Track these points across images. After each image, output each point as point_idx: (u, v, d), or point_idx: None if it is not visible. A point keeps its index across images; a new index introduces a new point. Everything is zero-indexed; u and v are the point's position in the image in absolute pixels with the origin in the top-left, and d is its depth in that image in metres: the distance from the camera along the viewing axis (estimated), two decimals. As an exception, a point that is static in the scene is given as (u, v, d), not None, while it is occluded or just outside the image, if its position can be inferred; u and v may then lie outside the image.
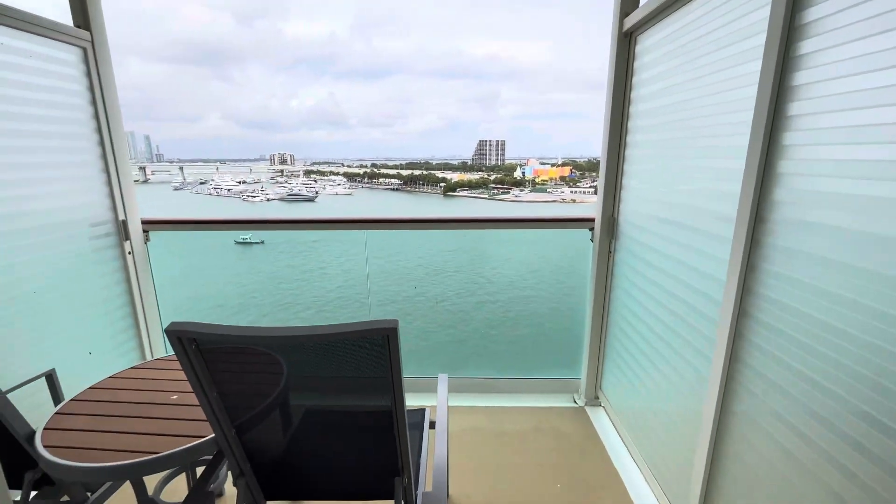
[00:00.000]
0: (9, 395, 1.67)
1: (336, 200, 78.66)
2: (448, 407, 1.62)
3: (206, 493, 1.14)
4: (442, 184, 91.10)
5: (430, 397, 2.57)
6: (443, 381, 1.70)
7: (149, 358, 2.53)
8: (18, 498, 1.22)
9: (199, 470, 1.67)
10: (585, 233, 2.43)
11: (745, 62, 1.23)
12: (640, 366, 1.97)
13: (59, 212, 2.00)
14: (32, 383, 1.70)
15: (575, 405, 2.57)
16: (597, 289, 2.37)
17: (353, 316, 2.80)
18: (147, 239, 2.51)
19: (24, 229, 1.85)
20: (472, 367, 2.77)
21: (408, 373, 2.65)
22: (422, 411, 1.72)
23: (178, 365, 1.52)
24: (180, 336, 0.92)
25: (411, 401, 2.52)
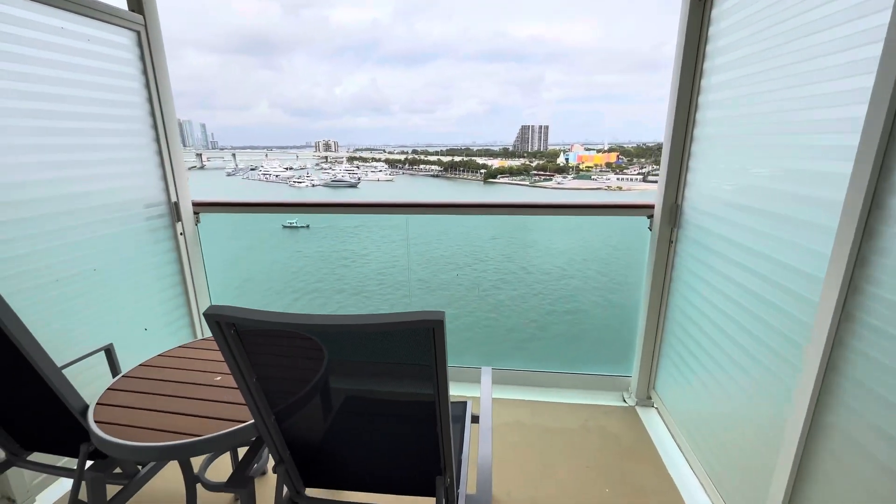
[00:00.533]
0: (69, 369, 1.76)
1: (378, 187, 79.89)
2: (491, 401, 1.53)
3: (246, 477, 1.12)
4: (482, 170, 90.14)
5: (470, 388, 2.51)
6: (486, 374, 1.61)
7: (199, 336, 2.62)
8: (75, 466, 1.26)
9: (243, 450, 1.69)
10: (643, 221, 2.25)
11: (862, 16, 1.02)
12: (704, 367, 1.79)
13: (117, 192, 2.07)
14: (93, 357, 1.78)
15: (624, 404, 2.42)
16: (654, 281, 2.18)
17: (394, 301, 2.77)
18: (198, 220, 2.58)
19: (86, 209, 1.92)
20: (513, 358, 2.67)
21: (448, 362, 2.58)
22: (464, 404, 1.65)
23: (204, 353, 1.53)
24: (219, 321, 0.88)
25: (451, 391, 2.46)
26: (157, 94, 2.24)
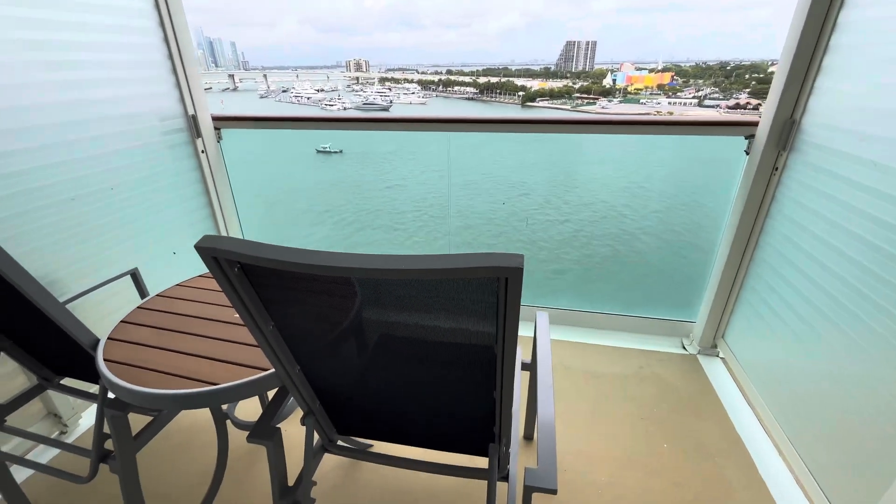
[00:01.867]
0: (95, 293, 1.68)
1: (411, 110, 77.10)
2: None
3: (272, 428, 0.99)
4: (520, 93, 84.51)
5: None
6: (543, 318, 1.39)
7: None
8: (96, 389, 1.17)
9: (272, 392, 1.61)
10: (736, 143, 1.83)
11: None
12: (803, 320, 1.50)
13: (125, 101, 1.84)
14: (122, 282, 1.69)
15: (684, 352, 2.19)
16: (743, 216, 1.83)
17: (435, 234, 2.54)
18: (219, 137, 2.35)
19: (94, 119, 1.71)
20: (561, 296, 2.44)
21: None
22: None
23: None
24: (217, 256, 0.66)
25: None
26: (167, 3, 1.91)
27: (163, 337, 1.12)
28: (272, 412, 1.01)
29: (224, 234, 2.44)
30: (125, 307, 1.43)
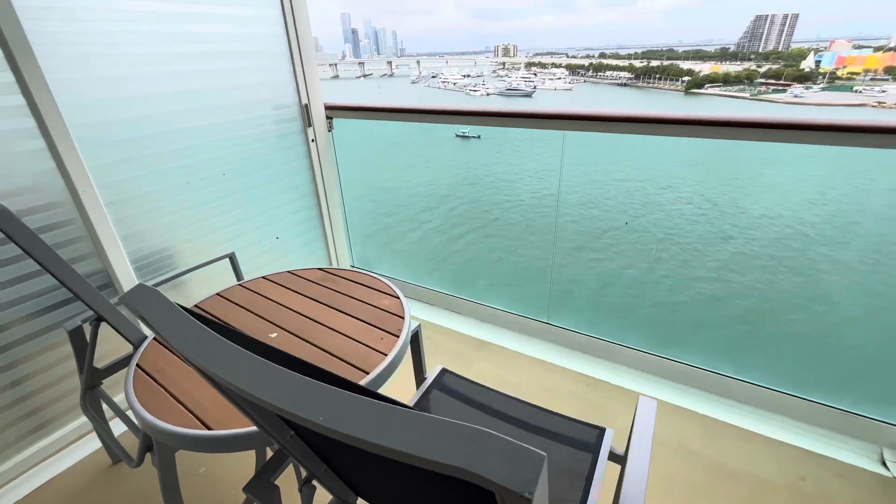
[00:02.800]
0: (194, 273, 1.79)
1: (554, 97, 73.89)
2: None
3: (270, 485, 0.84)
4: (685, 78, 74.20)
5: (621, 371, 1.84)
6: (647, 406, 0.98)
7: (332, 257, 2.55)
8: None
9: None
10: None
11: None
12: None
13: (242, 90, 1.90)
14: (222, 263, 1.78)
15: (883, 471, 1.48)
16: None
17: (531, 253, 2.18)
18: (331, 127, 2.35)
19: (212, 107, 1.80)
20: (691, 347, 1.89)
21: (583, 328, 1.98)
22: (599, 431, 1.10)
23: (307, 288, 1.25)
24: (143, 315, 0.49)
25: (572, 360, 1.89)
26: (292, 6, 1.92)
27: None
28: (273, 467, 0.86)
29: (328, 225, 2.47)
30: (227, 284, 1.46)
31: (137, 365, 0.99)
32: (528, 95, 75.12)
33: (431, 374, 1.34)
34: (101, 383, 1.38)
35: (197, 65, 1.72)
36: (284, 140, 2.14)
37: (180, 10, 1.62)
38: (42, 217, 1.39)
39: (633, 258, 1.92)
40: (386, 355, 0.93)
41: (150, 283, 1.65)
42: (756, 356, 1.79)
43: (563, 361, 1.98)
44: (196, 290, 1.93)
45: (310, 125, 2.21)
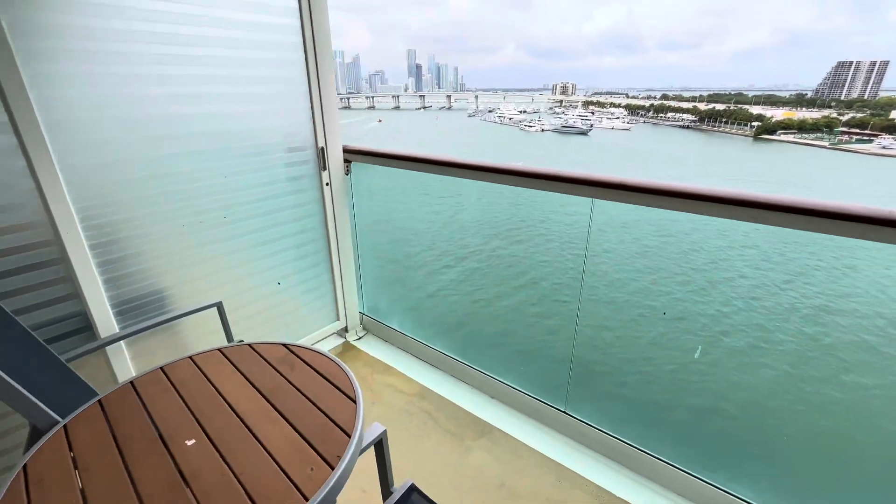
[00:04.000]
0: (186, 321, 1.69)
1: (611, 136, 72.68)
2: None
3: None
4: (755, 123, 70.59)
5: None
6: None
7: (339, 302, 2.40)
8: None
9: None
10: None
11: None
12: None
13: (255, 132, 1.83)
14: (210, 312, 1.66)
15: None
16: None
17: (548, 333, 1.90)
18: (348, 170, 2.24)
19: (217, 148, 1.73)
20: (747, 474, 1.50)
21: (607, 425, 1.61)
22: None
23: (257, 372, 1.07)
24: None
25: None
26: (312, 31, 1.86)
27: (107, 453, 0.89)
28: None
29: (338, 277, 2.33)
30: (214, 336, 1.32)
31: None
32: (584, 133, 74.46)
33: (399, 488, 1.10)
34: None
35: (203, 106, 1.67)
36: (296, 183, 2.05)
37: (182, 51, 1.58)
38: (21, 257, 1.33)
39: (674, 350, 1.59)
40: (306, 502, 0.71)
41: (130, 330, 1.55)
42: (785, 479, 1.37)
43: (578, 465, 1.65)
44: (185, 340, 1.82)
45: (325, 168, 2.11)
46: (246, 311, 1.99)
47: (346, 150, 2.19)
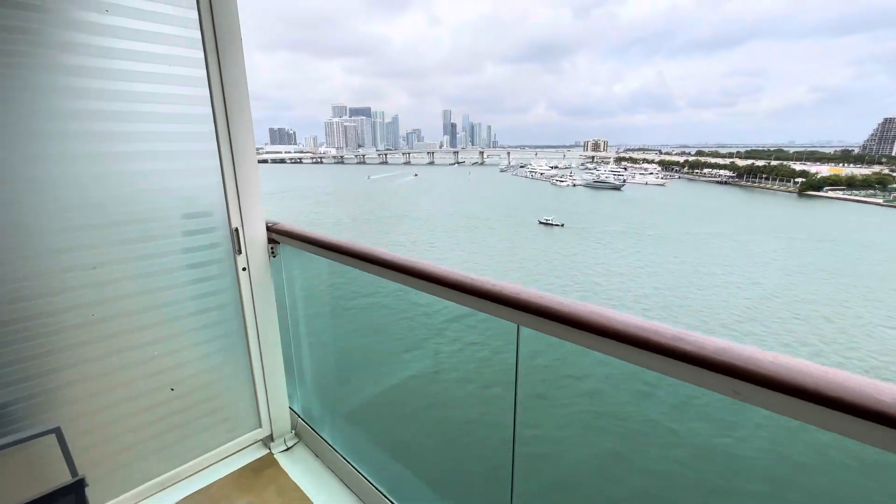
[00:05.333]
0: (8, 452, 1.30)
1: (646, 191, 71.57)
2: None
3: None
4: (798, 179, 67.90)
5: None
6: None
7: (262, 406, 1.97)
8: None
9: None
10: None
11: None
12: None
13: (143, 211, 1.53)
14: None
15: None
16: None
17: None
18: (274, 253, 1.91)
19: (86, 231, 1.43)
20: None
21: None
22: None
23: None
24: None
25: None
26: (222, 90, 1.60)
27: None
28: None
29: (258, 364, 1.93)
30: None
31: None
32: (617, 188, 73.84)
33: None
34: None
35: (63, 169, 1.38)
36: (201, 270, 1.71)
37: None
38: None
39: None
40: None
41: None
42: None
43: None
44: (12, 478, 1.43)
45: (240, 252, 1.78)
46: (117, 428, 1.59)
47: (271, 230, 1.87)
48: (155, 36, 1.45)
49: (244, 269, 1.81)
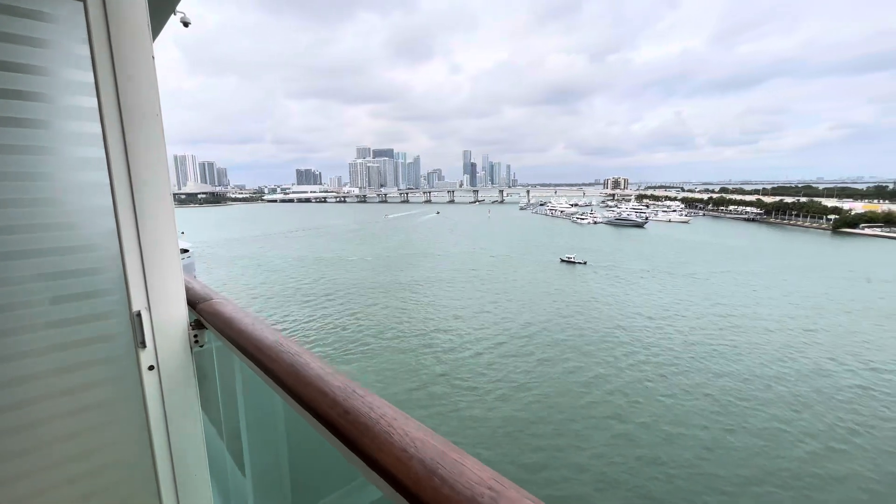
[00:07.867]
0: None
1: (669, 228, 69.71)
2: None
3: None
4: (830, 216, 65.17)
5: None
6: None
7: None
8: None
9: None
10: None
11: None
12: None
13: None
14: None
15: None
16: None
17: None
18: (199, 342, 1.33)
19: None
20: None
21: None
22: None
23: None
24: None
25: None
26: (118, 101, 1.10)
27: None
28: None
29: (166, 480, 1.31)
30: None
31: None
32: (640, 226, 72.31)
33: None
34: None
35: None
36: (76, 375, 1.14)
37: None
38: None
39: None
40: None
41: None
42: None
43: None
44: None
45: (143, 345, 1.21)
46: None
47: (197, 309, 1.30)
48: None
49: (151, 367, 1.23)
